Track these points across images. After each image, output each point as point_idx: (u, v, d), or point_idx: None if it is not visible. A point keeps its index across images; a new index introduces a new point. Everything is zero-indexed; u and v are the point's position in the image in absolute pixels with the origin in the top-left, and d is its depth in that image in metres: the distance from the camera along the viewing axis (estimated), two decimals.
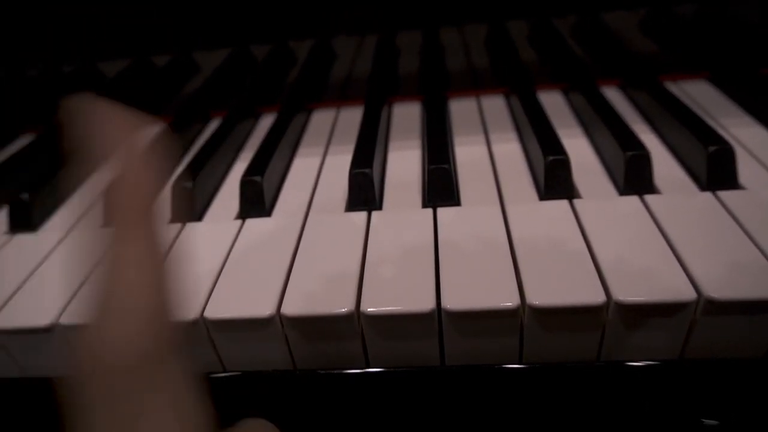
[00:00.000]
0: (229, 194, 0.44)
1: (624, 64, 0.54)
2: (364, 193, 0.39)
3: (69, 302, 0.33)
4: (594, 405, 0.32)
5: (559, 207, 0.36)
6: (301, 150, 0.49)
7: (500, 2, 0.54)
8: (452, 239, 0.34)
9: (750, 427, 0.31)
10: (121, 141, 0.19)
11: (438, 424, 0.33)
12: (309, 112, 0.56)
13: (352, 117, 0.54)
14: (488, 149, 0.45)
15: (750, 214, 0.33)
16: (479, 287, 0.30)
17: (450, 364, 0.32)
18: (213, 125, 0.57)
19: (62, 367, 0.35)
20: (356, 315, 0.30)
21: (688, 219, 0.34)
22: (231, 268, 0.34)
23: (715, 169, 0.37)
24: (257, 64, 0.59)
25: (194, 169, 0.43)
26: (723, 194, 0.36)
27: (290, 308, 0.31)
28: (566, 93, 0.53)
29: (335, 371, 0.32)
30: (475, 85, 0.57)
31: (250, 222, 0.39)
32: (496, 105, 0.53)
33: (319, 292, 0.31)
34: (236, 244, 0.37)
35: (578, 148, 0.44)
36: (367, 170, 0.39)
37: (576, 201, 0.37)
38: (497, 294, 0.30)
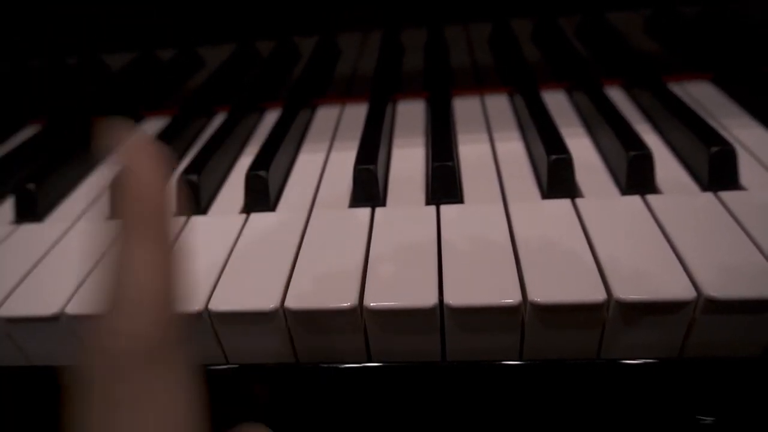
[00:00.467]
0: (234, 188, 0.44)
1: (627, 64, 0.54)
2: (369, 189, 0.39)
3: (75, 292, 0.34)
4: (592, 402, 0.32)
5: (562, 206, 0.36)
6: (306, 146, 0.50)
7: (505, 1, 0.55)
8: (455, 236, 0.34)
9: (746, 425, 0.32)
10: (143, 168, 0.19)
11: (438, 419, 0.33)
12: (313, 108, 0.57)
13: (356, 113, 0.54)
14: (492, 147, 0.46)
15: (750, 215, 0.33)
16: (481, 284, 0.30)
17: (451, 359, 0.32)
18: (217, 120, 0.58)
19: (68, 356, 0.35)
20: (359, 310, 0.31)
21: (689, 219, 0.34)
22: (235, 262, 0.34)
23: (717, 170, 0.37)
24: (262, 59, 0.60)
25: (200, 163, 0.44)
26: (724, 195, 0.36)
27: (294, 302, 0.31)
28: (569, 92, 0.54)
29: (337, 365, 0.33)
30: (479, 83, 0.58)
31: (255, 216, 0.39)
32: (499, 103, 0.53)
33: (323, 287, 0.32)
34: (241, 238, 0.37)
35: (581, 147, 0.44)
36: (371, 166, 0.39)
37: (578, 200, 0.37)
38: (499, 290, 0.30)
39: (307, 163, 0.47)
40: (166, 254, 0.18)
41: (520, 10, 0.55)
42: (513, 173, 0.42)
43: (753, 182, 0.38)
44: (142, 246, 0.18)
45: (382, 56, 0.58)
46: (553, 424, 0.33)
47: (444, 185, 0.39)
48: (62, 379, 0.18)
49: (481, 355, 0.32)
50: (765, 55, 0.52)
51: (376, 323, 0.31)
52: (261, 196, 0.41)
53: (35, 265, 0.37)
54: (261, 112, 0.57)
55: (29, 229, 0.41)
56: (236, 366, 0.34)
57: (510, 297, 0.29)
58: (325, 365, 0.33)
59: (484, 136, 0.47)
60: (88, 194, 0.47)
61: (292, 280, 0.33)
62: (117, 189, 0.19)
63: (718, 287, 0.29)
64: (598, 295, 0.29)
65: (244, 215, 0.39)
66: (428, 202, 0.39)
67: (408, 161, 0.45)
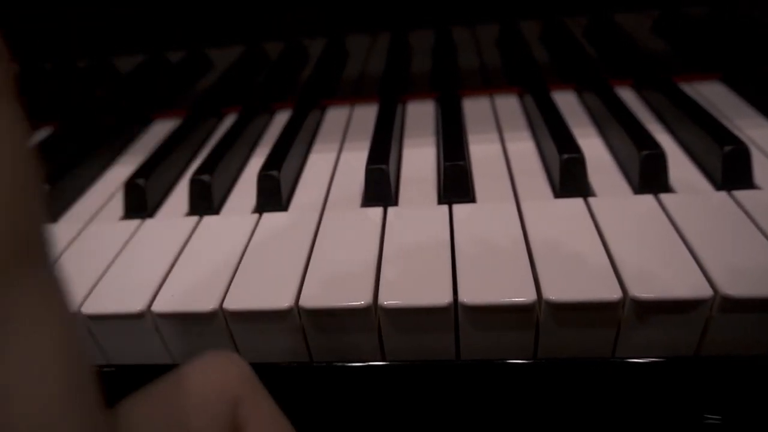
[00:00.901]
0: (245, 188, 0.44)
1: (637, 64, 0.54)
2: (380, 189, 0.39)
3: (90, 292, 0.34)
4: (603, 400, 0.32)
5: (575, 205, 0.36)
6: (316, 146, 0.50)
7: (512, 2, 0.55)
8: (468, 235, 0.34)
9: (753, 424, 0.32)
10: None
11: (452, 417, 0.33)
12: (323, 109, 0.57)
13: (366, 114, 0.54)
14: (502, 147, 0.46)
15: (765, 213, 0.33)
16: (496, 282, 0.30)
17: (465, 358, 0.32)
18: (227, 121, 0.58)
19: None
20: (374, 308, 0.31)
21: (703, 218, 0.34)
22: (249, 261, 0.35)
23: (730, 169, 0.37)
24: (271, 61, 0.60)
25: (211, 163, 0.44)
26: (738, 194, 0.36)
27: (308, 301, 0.31)
28: (579, 93, 0.54)
29: (351, 364, 0.33)
30: (488, 84, 0.58)
31: (267, 216, 0.39)
32: (509, 104, 0.53)
33: (337, 286, 0.32)
34: (254, 237, 0.37)
35: (592, 147, 0.44)
36: (383, 166, 0.39)
37: (591, 199, 0.37)
38: (514, 289, 0.30)
39: (318, 163, 0.47)
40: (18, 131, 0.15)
41: (528, 11, 0.55)
42: (524, 172, 0.42)
43: (766, 181, 0.37)
44: None
45: (391, 57, 0.58)
46: (565, 421, 0.33)
47: (456, 185, 0.39)
48: None
49: (495, 353, 0.32)
50: None
51: (390, 322, 0.31)
52: (273, 196, 0.41)
53: None
54: (271, 113, 0.58)
55: None
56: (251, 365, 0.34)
57: (525, 295, 0.29)
58: (339, 364, 0.33)
59: (495, 136, 0.48)
60: (101, 194, 0.47)
61: (306, 279, 0.33)
62: None
63: (734, 285, 0.28)
64: (613, 293, 0.29)
65: (256, 215, 0.40)
66: (440, 202, 0.39)
67: (419, 161, 0.45)
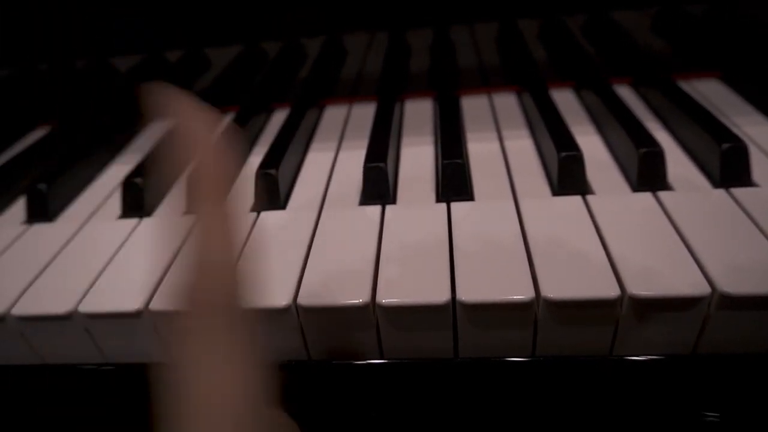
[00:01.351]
0: (244, 187, 0.44)
1: (635, 62, 0.54)
2: (379, 187, 0.39)
3: (87, 290, 0.34)
4: (601, 398, 0.32)
5: (573, 202, 0.36)
6: (314, 145, 0.50)
7: (511, 1, 0.55)
8: (466, 233, 0.34)
9: (751, 422, 0.32)
10: (197, 130, 0.22)
11: (451, 415, 0.33)
12: (321, 108, 0.57)
13: (364, 113, 0.54)
14: (501, 145, 0.46)
15: (763, 211, 0.33)
16: (494, 280, 0.30)
17: (463, 356, 0.32)
18: (225, 120, 0.58)
19: (80, 354, 0.35)
20: (372, 306, 0.31)
21: (701, 215, 0.34)
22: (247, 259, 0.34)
23: (729, 167, 0.37)
24: (269, 60, 0.60)
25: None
26: (736, 191, 0.36)
27: (306, 299, 0.31)
28: (577, 91, 0.54)
29: (350, 362, 0.32)
30: (486, 82, 0.58)
31: (265, 214, 0.39)
32: (507, 102, 0.53)
33: (335, 284, 0.32)
34: (252, 236, 0.37)
35: (591, 144, 0.44)
36: (381, 164, 0.39)
37: (589, 197, 0.37)
38: (512, 287, 0.30)
39: (316, 161, 0.47)
40: (235, 229, 0.22)
41: (527, 9, 0.55)
42: (522, 170, 0.42)
43: (765, 179, 0.37)
44: (215, 219, 0.21)
45: (389, 56, 0.58)
46: (563, 418, 0.33)
47: (454, 183, 0.39)
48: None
49: (493, 351, 0.32)
50: None
51: (388, 320, 0.31)
52: (271, 194, 0.41)
53: (47, 265, 0.37)
54: (269, 112, 0.57)
55: (41, 229, 0.42)
56: None
57: (523, 293, 0.29)
58: (338, 362, 0.33)
59: (493, 134, 0.47)
60: (98, 194, 0.47)
61: (304, 277, 0.33)
62: (193, 176, 0.21)
63: (732, 283, 0.28)
64: (611, 291, 0.29)
65: (254, 213, 0.39)
66: (438, 200, 0.39)
67: (417, 159, 0.45)
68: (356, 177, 0.42)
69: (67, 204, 0.46)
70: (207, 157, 0.21)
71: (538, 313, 0.30)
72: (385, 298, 0.30)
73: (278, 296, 0.31)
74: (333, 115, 0.55)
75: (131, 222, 0.40)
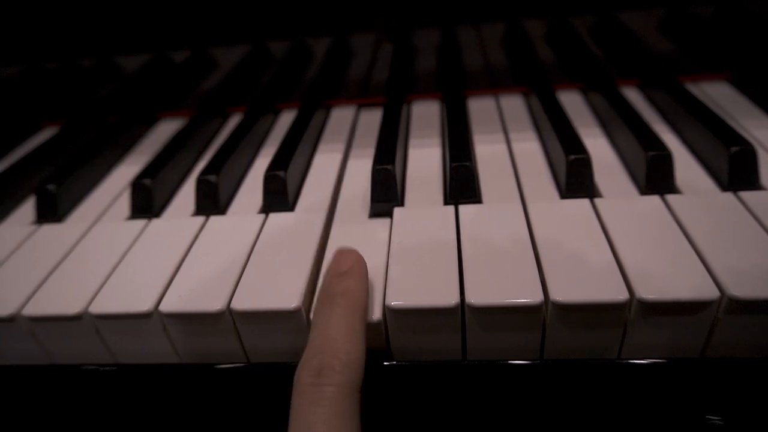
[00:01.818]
0: (251, 189, 0.44)
1: (643, 64, 0.54)
2: (387, 189, 0.39)
3: (97, 291, 0.34)
4: (608, 401, 0.32)
5: (581, 205, 0.36)
6: (322, 146, 0.50)
7: (517, 2, 0.55)
8: (475, 236, 0.34)
9: (755, 426, 0.32)
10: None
11: (459, 418, 0.33)
12: (328, 109, 0.57)
13: (371, 114, 0.54)
14: (508, 148, 0.46)
15: None
16: (503, 283, 0.30)
17: (471, 359, 0.32)
18: (233, 121, 0.58)
19: (90, 355, 0.35)
20: (381, 309, 0.31)
21: (709, 219, 0.34)
22: (256, 261, 0.35)
23: (737, 170, 0.37)
24: (276, 60, 0.60)
25: (217, 163, 0.44)
26: (745, 194, 0.36)
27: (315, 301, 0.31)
28: (585, 93, 0.54)
29: None
30: (493, 84, 0.58)
31: (274, 216, 0.39)
32: (514, 104, 0.53)
33: None
34: (260, 238, 0.37)
35: (598, 147, 0.44)
36: (389, 166, 0.39)
37: (597, 200, 0.37)
38: (521, 290, 0.30)
39: (323, 163, 0.47)
40: (363, 330, 0.28)
41: (534, 10, 0.55)
42: (530, 173, 0.42)
43: None
44: (353, 323, 0.28)
45: (396, 57, 0.58)
46: (570, 421, 0.33)
47: (462, 185, 0.39)
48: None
49: (502, 354, 0.32)
50: None
51: (397, 322, 0.31)
52: (279, 196, 0.41)
53: (57, 265, 0.37)
54: (276, 113, 0.58)
55: (50, 229, 0.42)
56: (258, 364, 0.34)
57: (531, 296, 0.29)
58: None
59: (500, 136, 0.48)
60: (107, 194, 0.47)
61: (314, 279, 0.33)
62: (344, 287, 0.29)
63: (741, 287, 0.28)
64: (620, 294, 0.29)
65: (262, 215, 0.40)
66: (446, 202, 0.39)
67: (425, 161, 0.45)
68: (365, 179, 0.42)
69: (76, 204, 0.46)
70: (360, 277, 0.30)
71: (546, 317, 0.30)
72: (393, 301, 0.30)
73: (288, 298, 0.31)
74: (340, 116, 0.55)
75: (140, 223, 0.41)
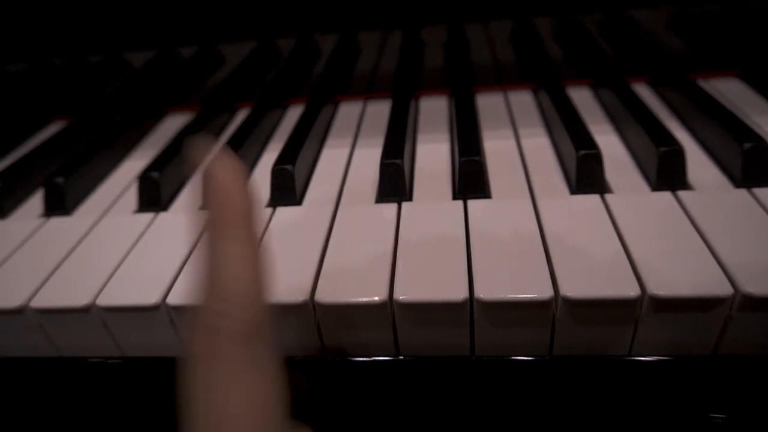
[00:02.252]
0: (259, 183, 0.44)
1: (653, 61, 0.53)
2: (395, 184, 0.39)
3: (105, 284, 0.34)
4: (615, 397, 0.32)
5: (591, 201, 0.36)
6: (330, 141, 0.50)
7: None
8: (483, 231, 0.34)
9: (758, 423, 0.31)
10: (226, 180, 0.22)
11: (467, 413, 0.33)
12: (336, 104, 0.57)
13: (379, 110, 0.54)
14: (517, 143, 0.45)
15: None
16: (512, 278, 0.30)
17: (480, 354, 0.32)
18: (240, 116, 0.58)
19: (98, 347, 0.35)
20: (389, 303, 0.30)
21: (722, 215, 0.33)
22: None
23: (750, 166, 0.37)
24: (283, 56, 0.60)
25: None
26: (758, 191, 0.35)
27: (323, 295, 0.31)
28: (594, 89, 0.53)
29: (366, 359, 0.32)
30: (501, 80, 0.57)
31: (281, 210, 0.39)
32: (523, 100, 0.53)
33: (352, 281, 0.32)
34: (268, 232, 0.37)
35: (608, 143, 0.44)
36: (398, 161, 0.39)
37: (608, 196, 0.36)
38: (530, 285, 0.30)
39: (331, 158, 0.47)
40: (254, 249, 0.22)
41: (542, 7, 0.55)
42: (539, 168, 0.41)
43: None
44: (233, 242, 0.21)
45: (404, 53, 0.58)
46: (577, 417, 0.33)
47: (471, 180, 0.39)
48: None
49: (510, 350, 0.31)
50: None
51: (405, 317, 0.31)
52: (287, 190, 0.41)
53: (65, 258, 0.37)
54: (284, 108, 0.58)
55: (58, 222, 0.42)
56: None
57: (541, 292, 0.29)
58: (354, 359, 0.33)
59: (509, 132, 0.47)
60: (115, 188, 0.47)
61: (321, 273, 0.33)
62: (206, 198, 0.22)
63: (755, 283, 0.28)
64: (630, 290, 0.29)
65: (270, 209, 0.40)
66: (455, 197, 0.39)
67: (433, 156, 0.45)
68: (372, 174, 0.42)
69: (84, 198, 0.46)
70: (230, 189, 0.22)
71: (556, 312, 0.30)
72: (402, 296, 0.30)
73: (295, 292, 0.31)
74: (348, 111, 0.55)
75: (147, 216, 0.41)
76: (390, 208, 0.37)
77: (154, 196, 0.43)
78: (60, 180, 0.44)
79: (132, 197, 0.44)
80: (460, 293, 0.30)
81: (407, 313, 0.30)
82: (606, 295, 0.29)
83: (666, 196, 0.36)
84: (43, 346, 0.35)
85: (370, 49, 0.58)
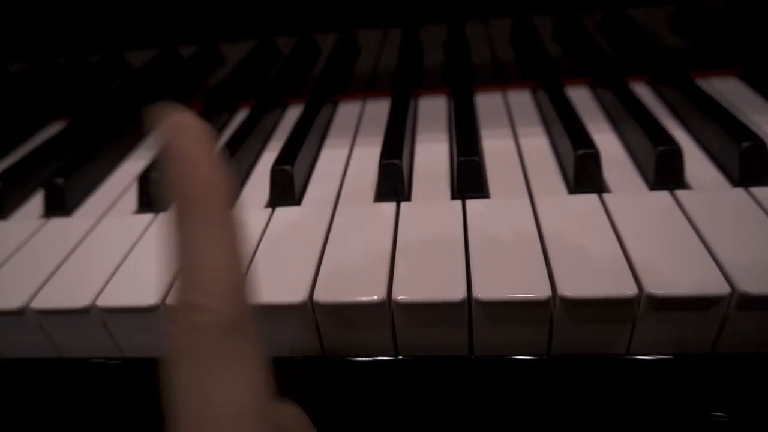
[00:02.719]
0: (258, 183, 0.44)
1: (652, 60, 0.53)
2: (394, 184, 0.39)
3: (105, 285, 0.34)
4: (614, 396, 0.32)
5: (589, 201, 0.36)
6: (329, 141, 0.50)
7: None
8: (482, 230, 0.34)
9: (760, 422, 0.31)
10: (190, 144, 0.19)
11: (465, 413, 0.33)
12: (335, 104, 0.57)
13: (378, 109, 0.54)
14: (515, 143, 0.45)
15: None
16: (510, 278, 0.30)
17: (478, 354, 0.32)
18: (240, 116, 0.58)
19: (98, 348, 0.35)
20: (387, 303, 0.31)
21: (720, 214, 0.33)
22: (262, 255, 0.35)
23: (748, 165, 0.37)
24: (283, 56, 0.60)
25: (224, 157, 0.44)
26: (756, 190, 0.35)
27: (322, 295, 0.31)
28: (593, 88, 0.53)
29: (364, 359, 0.33)
30: (500, 79, 0.57)
31: (280, 210, 0.39)
32: (522, 99, 0.53)
33: (351, 280, 0.32)
34: (267, 232, 0.37)
35: (607, 142, 0.44)
36: (396, 161, 0.39)
37: (606, 195, 0.37)
38: (528, 285, 0.30)
39: (330, 158, 0.47)
40: (230, 231, 0.19)
41: (542, 5, 0.55)
42: (538, 168, 0.41)
43: None
44: (204, 224, 0.19)
45: (403, 52, 0.58)
46: (576, 416, 0.33)
47: (470, 180, 0.39)
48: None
49: (509, 349, 0.32)
50: None
51: (404, 317, 0.31)
52: (286, 190, 0.41)
53: (65, 259, 0.37)
54: (283, 107, 0.58)
55: (58, 223, 0.42)
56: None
57: (539, 291, 0.29)
58: (352, 359, 0.33)
59: (508, 131, 0.47)
60: (115, 188, 0.47)
61: (320, 273, 0.33)
62: (165, 172, 0.19)
63: (752, 282, 0.28)
64: (628, 289, 0.29)
65: (269, 209, 0.40)
66: (454, 197, 0.39)
67: (432, 156, 0.45)
68: (371, 173, 0.42)
69: (83, 198, 0.46)
70: (196, 159, 0.19)
71: (554, 312, 0.30)
72: (400, 295, 0.30)
73: (294, 292, 0.31)
74: (347, 111, 0.55)
75: (147, 217, 0.41)
76: (389, 208, 0.38)
77: (154, 196, 0.43)
78: (60, 181, 0.44)
79: (132, 198, 0.45)
80: (458, 293, 0.30)
81: (406, 313, 0.31)
82: (604, 294, 0.29)
83: (664, 195, 0.36)
84: (43, 347, 0.35)
85: (370, 48, 0.58)
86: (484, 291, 0.30)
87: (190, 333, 0.18)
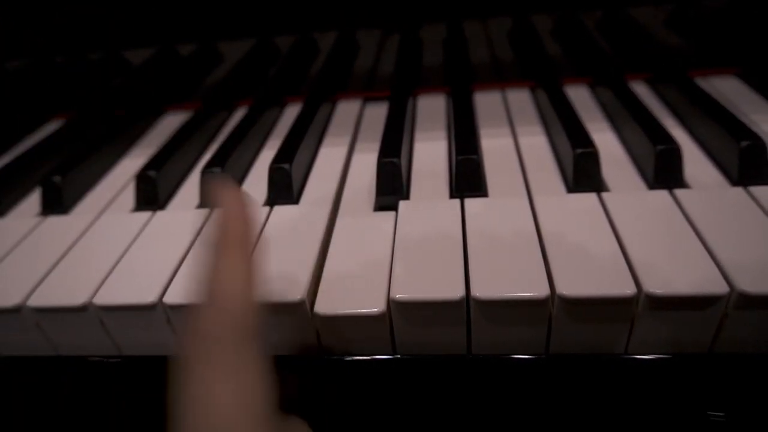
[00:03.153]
0: (256, 181, 0.44)
1: (651, 58, 0.53)
2: (392, 183, 0.39)
3: (102, 282, 0.34)
4: (613, 396, 0.32)
5: (588, 200, 0.36)
6: (327, 139, 0.50)
7: None
8: (480, 229, 0.34)
9: (757, 422, 0.31)
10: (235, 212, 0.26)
11: (463, 412, 0.33)
12: (334, 102, 0.57)
13: (377, 108, 0.54)
14: (514, 141, 0.45)
15: None
16: (509, 277, 0.30)
17: (476, 353, 0.32)
18: (238, 114, 0.58)
19: (95, 346, 0.35)
20: (388, 315, 0.30)
21: (719, 213, 0.33)
22: (260, 253, 0.34)
23: (747, 164, 0.37)
24: (281, 54, 0.60)
25: (222, 156, 0.44)
26: (755, 189, 0.35)
27: (321, 307, 0.31)
28: (592, 87, 0.53)
29: (362, 357, 0.32)
30: (499, 78, 0.57)
31: (278, 208, 0.39)
32: (521, 98, 0.53)
33: (349, 287, 0.32)
34: (265, 230, 0.37)
35: (606, 141, 0.43)
36: (395, 159, 0.39)
37: (604, 194, 0.36)
38: (526, 283, 0.30)
39: (329, 156, 0.47)
40: (249, 267, 0.24)
41: (541, 4, 0.55)
42: (537, 167, 0.41)
43: None
44: (231, 260, 0.24)
45: (402, 51, 0.58)
46: (574, 415, 0.33)
47: (468, 178, 0.39)
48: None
49: (507, 348, 0.32)
50: None
51: (402, 315, 0.31)
52: (284, 188, 0.41)
53: (62, 257, 0.37)
54: (282, 106, 0.57)
55: (55, 221, 0.42)
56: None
57: (538, 290, 0.29)
58: (350, 358, 0.33)
59: (507, 130, 0.47)
60: (112, 186, 0.47)
61: (320, 278, 0.33)
62: (216, 225, 0.25)
63: (750, 282, 0.28)
64: (627, 289, 0.29)
65: (267, 207, 0.40)
66: (452, 196, 0.39)
67: (430, 155, 0.45)
68: (370, 172, 0.42)
69: (81, 196, 0.46)
70: (235, 213, 0.25)
71: (552, 311, 0.30)
72: (398, 294, 0.30)
73: (292, 290, 0.31)
74: (346, 109, 0.55)
75: (145, 215, 0.41)
76: (387, 209, 0.37)
77: (151, 194, 0.43)
78: (57, 178, 0.44)
79: (129, 196, 0.44)
80: (456, 292, 0.30)
81: (403, 311, 0.30)
82: (602, 293, 0.29)
83: (663, 194, 0.36)
84: (40, 345, 0.35)
85: (369, 47, 0.58)
86: (482, 290, 0.30)
87: (203, 342, 0.21)
